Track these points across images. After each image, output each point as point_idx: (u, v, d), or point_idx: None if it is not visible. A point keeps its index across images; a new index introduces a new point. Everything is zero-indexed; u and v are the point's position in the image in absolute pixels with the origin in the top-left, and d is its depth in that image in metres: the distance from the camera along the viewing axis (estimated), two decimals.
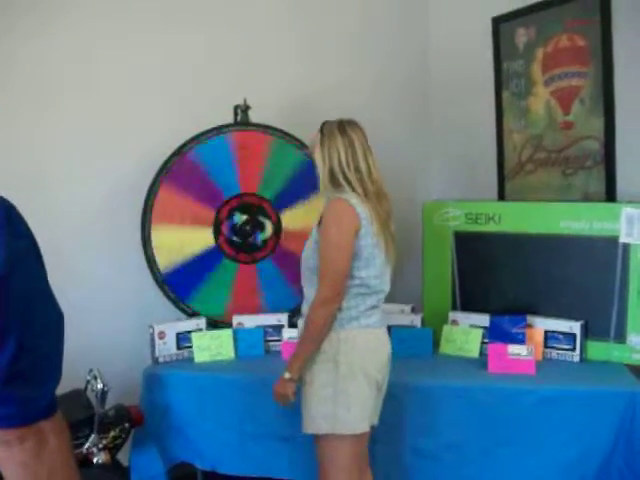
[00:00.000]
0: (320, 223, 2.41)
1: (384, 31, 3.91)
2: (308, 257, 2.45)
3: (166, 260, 3.21)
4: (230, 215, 3.28)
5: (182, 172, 3.21)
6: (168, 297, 3.22)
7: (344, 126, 2.45)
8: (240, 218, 3.30)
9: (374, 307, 2.44)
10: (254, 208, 3.32)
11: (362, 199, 2.37)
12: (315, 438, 2.41)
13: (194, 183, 3.23)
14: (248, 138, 3.30)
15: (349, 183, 2.39)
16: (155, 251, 3.19)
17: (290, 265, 3.29)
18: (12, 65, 3.15)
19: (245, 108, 3.24)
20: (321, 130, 2.48)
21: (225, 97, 3.30)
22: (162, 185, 3.18)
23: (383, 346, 2.47)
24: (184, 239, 3.23)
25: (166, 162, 3.19)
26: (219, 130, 3.24)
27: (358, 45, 3.86)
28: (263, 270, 3.35)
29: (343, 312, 2.37)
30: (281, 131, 3.35)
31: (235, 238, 3.30)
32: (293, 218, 3.36)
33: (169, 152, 3.19)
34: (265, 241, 3.35)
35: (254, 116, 3.32)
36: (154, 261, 3.19)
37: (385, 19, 3.92)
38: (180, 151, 3.20)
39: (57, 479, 1.19)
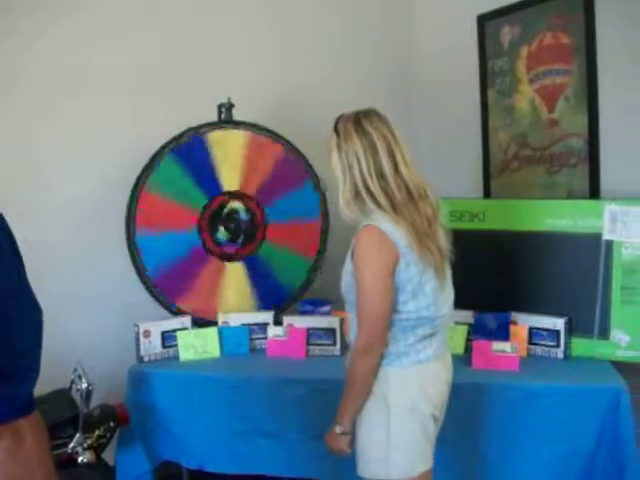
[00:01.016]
0: (353, 253, 2.08)
1: (369, 28, 3.92)
2: (346, 290, 2.16)
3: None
4: (221, 207, 3.28)
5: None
6: (135, 266, 3.18)
7: (360, 120, 2.07)
8: (223, 214, 3.31)
9: (426, 337, 2.12)
10: (246, 209, 3.33)
11: (393, 217, 2.01)
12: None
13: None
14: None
15: (372, 196, 2.03)
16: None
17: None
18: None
19: (229, 106, 3.23)
20: (335, 128, 2.12)
21: (208, 95, 3.29)
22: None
23: (438, 380, 2.17)
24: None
25: (180, 135, 3.18)
26: (195, 131, 3.23)
27: (342, 42, 3.87)
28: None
29: (390, 347, 2.08)
30: (292, 145, 3.37)
31: (218, 231, 3.29)
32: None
33: (152, 150, 3.18)
34: (244, 244, 3.34)
35: (238, 114, 3.31)
36: (142, 266, 3.18)
37: (370, 16, 3.93)
38: (196, 131, 3.20)
39: (33, 478, 1.18)
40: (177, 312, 3.23)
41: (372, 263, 2.01)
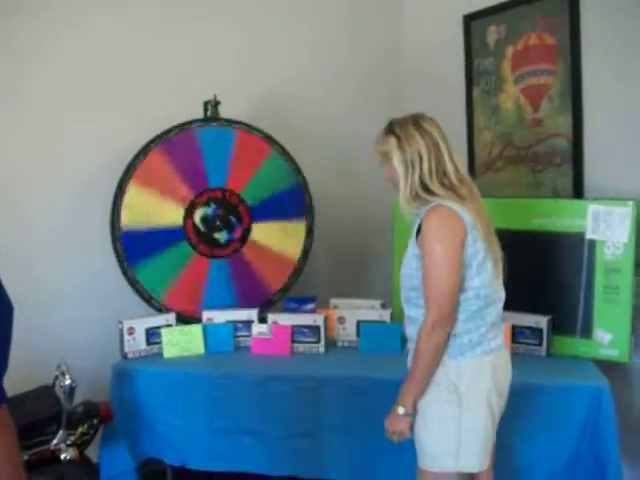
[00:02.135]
0: (417, 236, 2.13)
1: (356, 25, 3.94)
2: (411, 275, 2.17)
3: (130, 219, 3.16)
4: (206, 203, 3.27)
5: (179, 144, 3.20)
6: (117, 257, 3.15)
7: (420, 123, 2.14)
8: (214, 210, 3.29)
9: (495, 325, 2.18)
10: (231, 207, 3.31)
11: (458, 200, 2.09)
12: (424, 471, 2.22)
13: (186, 159, 3.22)
14: (252, 141, 3.31)
15: (431, 193, 2.10)
16: (124, 209, 3.14)
17: (243, 275, 3.35)
18: None
19: (215, 103, 3.23)
20: (393, 133, 2.17)
21: (194, 92, 3.29)
22: (152, 151, 3.15)
23: (506, 370, 2.24)
24: (156, 207, 3.19)
25: (168, 131, 3.18)
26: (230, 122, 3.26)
27: (329, 39, 3.89)
28: (215, 268, 3.33)
29: (463, 337, 2.12)
30: (281, 146, 3.37)
31: (202, 227, 3.28)
32: (265, 232, 3.37)
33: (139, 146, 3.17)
34: (227, 242, 3.33)
35: (224, 111, 3.31)
36: (117, 217, 3.14)
37: (357, 13, 3.96)
38: (184, 127, 3.20)
39: None
40: (161, 309, 3.22)
41: (444, 237, 2.06)
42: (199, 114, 3.28)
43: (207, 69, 3.50)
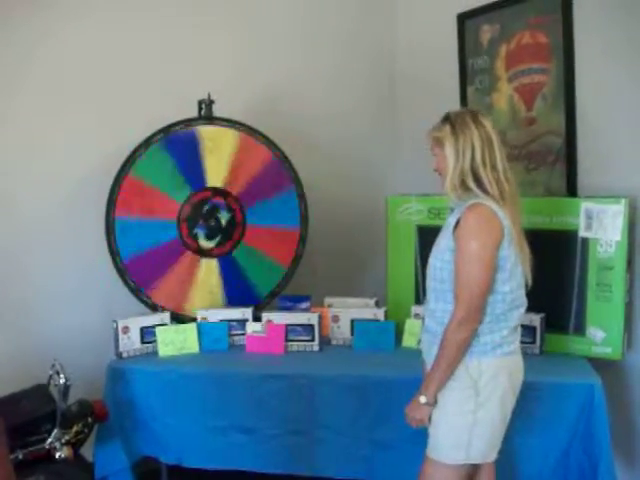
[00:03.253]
0: (455, 229, 2.17)
1: (350, 24, 3.95)
2: (441, 268, 2.22)
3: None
4: (193, 232, 3.26)
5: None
6: (111, 254, 3.15)
7: (477, 116, 2.20)
8: (204, 209, 3.28)
9: (516, 329, 2.27)
10: (198, 207, 3.28)
11: (500, 203, 2.15)
12: (433, 460, 2.28)
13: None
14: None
15: (481, 185, 2.15)
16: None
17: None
18: None
19: (209, 102, 3.23)
20: (449, 121, 2.22)
21: (184, 92, 3.30)
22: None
23: (520, 372, 2.31)
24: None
25: (112, 188, 3.13)
26: (148, 141, 3.19)
27: (322, 37, 3.89)
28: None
29: (486, 336, 2.18)
30: (227, 120, 3.31)
31: (217, 240, 3.29)
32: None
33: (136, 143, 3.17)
34: (231, 213, 3.31)
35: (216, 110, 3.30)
36: (117, 252, 3.14)
37: (352, 12, 3.96)
38: (150, 140, 3.17)
39: None
40: (152, 305, 3.21)
41: (481, 235, 2.11)
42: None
43: (203, 69, 3.51)
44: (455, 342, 2.15)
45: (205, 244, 3.29)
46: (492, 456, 2.28)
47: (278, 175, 3.38)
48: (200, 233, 3.28)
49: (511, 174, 2.22)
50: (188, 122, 3.23)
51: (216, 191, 3.28)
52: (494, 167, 2.17)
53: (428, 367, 2.29)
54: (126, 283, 3.17)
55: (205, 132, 3.25)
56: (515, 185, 2.23)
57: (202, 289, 3.30)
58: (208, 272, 3.31)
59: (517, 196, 2.23)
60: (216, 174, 3.28)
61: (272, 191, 3.38)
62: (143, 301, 3.21)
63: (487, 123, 2.20)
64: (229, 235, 3.32)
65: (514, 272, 2.20)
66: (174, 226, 3.23)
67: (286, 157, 3.39)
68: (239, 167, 3.31)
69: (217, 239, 3.31)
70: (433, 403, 2.23)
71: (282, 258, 3.42)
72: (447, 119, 2.24)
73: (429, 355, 2.29)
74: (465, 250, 2.13)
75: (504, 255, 2.15)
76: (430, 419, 2.27)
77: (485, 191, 2.16)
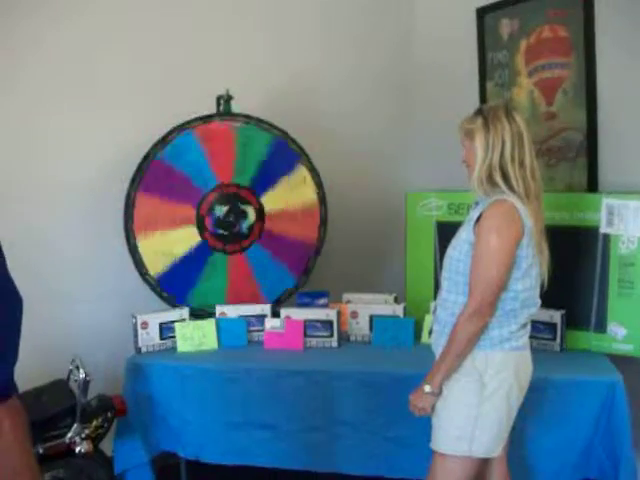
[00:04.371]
0: (476, 223, 2.17)
1: (368, 17, 3.93)
2: (459, 260, 2.22)
3: (157, 265, 3.21)
4: (211, 209, 3.25)
5: (156, 177, 3.16)
6: (165, 300, 3.22)
7: (511, 111, 2.18)
8: (221, 210, 3.26)
9: (525, 325, 2.26)
10: (233, 197, 3.28)
11: (523, 201, 2.15)
12: (438, 454, 2.29)
13: (170, 185, 3.19)
14: (213, 130, 3.25)
15: (507, 181, 2.14)
16: (144, 258, 3.18)
17: (278, 246, 3.35)
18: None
19: (227, 98, 3.23)
20: (481, 113, 2.20)
21: (206, 87, 3.29)
22: (139, 194, 3.14)
23: (528, 367, 2.30)
24: (171, 242, 3.21)
25: (138, 169, 3.15)
26: (182, 128, 3.19)
27: (339, 31, 3.88)
28: (253, 256, 3.34)
29: (495, 330, 2.18)
30: (245, 116, 3.30)
31: (220, 231, 3.28)
32: (274, 199, 3.34)
33: (151, 142, 3.17)
34: (250, 227, 3.31)
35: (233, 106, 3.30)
36: (145, 267, 3.19)
37: (369, 5, 3.93)
38: (147, 157, 3.15)
39: (8, 462, 1.20)
40: (174, 303, 3.23)
41: (502, 232, 2.11)
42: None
43: (221, 65, 3.51)
44: (465, 334, 2.15)
45: (210, 226, 3.26)
46: (496, 451, 2.26)
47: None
48: (222, 232, 3.28)
49: (538, 173, 2.21)
50: (206, 118, 3.23)
51: (228, 187, 3.26)
52: (522, 164, 2.16)
53: (437, 357, 2.29)
54: (163, 298, 3.22)
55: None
56: (541, 184, 2.22)
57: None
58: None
59: (541, 196, 2.23)
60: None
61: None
62: (170, 303, 3.23)
63: (520, 119, 2.18)
64: (251, 225, 3.31)
65: (529, 272, 2.19)
66: (196, 232, 3.24)
67: (292, 138, 3.36)
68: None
69: (241, 232, 3.30)
70: (438, 393, 2.23)
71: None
72: (480, 112, 2.23)
73: (437, 345, 2.30)
74: (484, 245, 2.13)
75: (521, 254, 2.15)
76: (434, 409, 2.27)
77: (511, 187, 2.15)
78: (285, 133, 3.34)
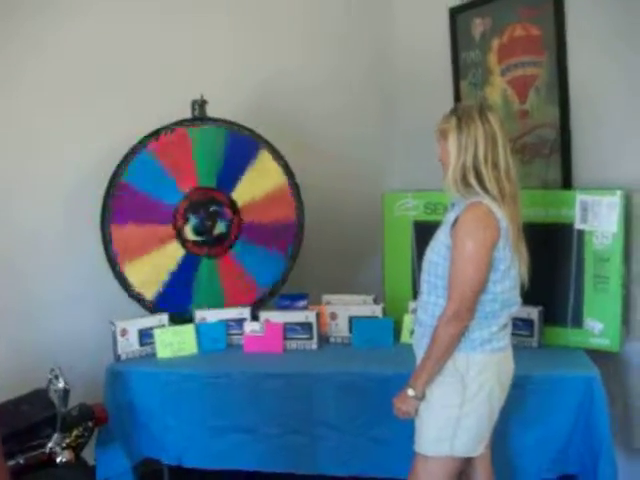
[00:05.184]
0: (453, 226, 2.18)
1: (346, 20, 3.93)
2: (437, 263, 2.23)
3: (150, 288, 3.21)
4: (186, 219, 3.25)
5: (124, 204, 3.15)
6: (108, 257, 3.15)
7: (485, 112, 2.17)
8: (195, 217, 3.26)
9: (505, 326, 2.27)
10: (204, 201, 3.28)
11: (499, 203, 2.15)
12: (420, 455, 2.31)
13: (139, 209, 3.18)
14: (165, 142, 3.21)
15: (481, 182, 2.14)
16: (134, 284, 3.18)
17: (261, 235, 3.36)
18: None
19: (202, 102, 3.22)
20: (455, 113, 2.20)
21: (181, 92, 3.28)
22: (112, 226, 3.13)
23: (510, 367, 2.33)
24: (156, 262, 3.21)
25: (105, 197, 3.13)
26: (137, 147, 3.17)
27: (318, 33, 3.88)
28: (240, 252, 3.34)
29: (475, 332, 2.20)
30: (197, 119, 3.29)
31: (201, 238, 3.28)
32: (244, 192, 3.33)
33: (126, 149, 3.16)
34: (228, 226, 3.31)
35: (211, 110, 3.29)
36: (138, 292, 3.20)
37: (347, 7, 3.93)
38: (112, 184, 3.13)
39: None
40: (151, 308, 3.22)
41: (477, 235, 2.12)
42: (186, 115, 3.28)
43: (200, 68, 3.51)
44: (445, 337, 2.16)
45: (190, 236, 3.27)
46: (477, 450, 2.28)
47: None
48: (204, 238, 3.29)
49: (514, 173, 2.21)
50: (179, 124, 3.22)
51: (195, 193, 3.26)
52: (496, 165, 2.16)
53: (418, 360, 2.30)
54: (128, 291, 3.19)
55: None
56: (517, 185, 2.22)
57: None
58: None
59: (518, 196, 2.23)
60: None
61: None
62: (146, 307, 3.22)
63: (494, 119, 2.17)
64: (230, 223, 3.32)
65: (508, 274, 2.20)
66: (179, 246, 3.25)
67: (276, 150, 3.36)
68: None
69: (221, 233, 3.31)
70: (421, 397, 2.25)
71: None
72: (455, 111, 2.23)
73: (419, 347, 2.31)
74: (460, 249, 2.14)
75: (498, 256, 2.16)
76: (417, 412, 2.29)
77: (485, 188, 2.16)
78: (235, 124, 3.31)
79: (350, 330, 3.15)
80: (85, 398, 2.85)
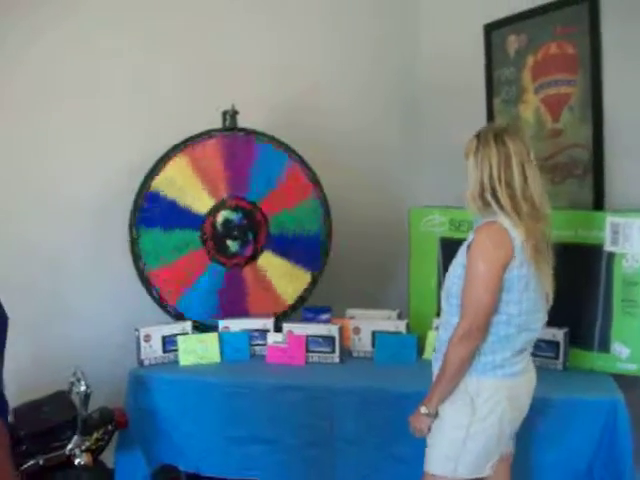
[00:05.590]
0: (469, 246, 2.22)
1: (374, 33, 3.92)
2: (453, 282, 2.26)
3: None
4: (214, 229, 3.27)
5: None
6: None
7: (502, 135, 2.21)
8: (223, 226, 3.29)
9: (522, 351, 2.25)
10: (233, 210, 3.30)
11: (514, 221, 2.16)
12: (429, 474, 2.33)
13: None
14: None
15: (497, 201, 2.17)
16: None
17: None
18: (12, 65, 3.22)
19: (233, 113, 3.25)
20: (477, 136, 2.27)
21: (211, 101, 3.31)
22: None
23: (525, 396, 2.30)
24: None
25: (135, 202, 3.18)
26: (168, 154, 3.22)
27: (347, 49, 3.88)
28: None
29: (487, 356, 2.20)
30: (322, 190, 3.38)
31: (229, 248, 3.30)
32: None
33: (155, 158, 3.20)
34: (256, 237, 3.32)
35: (241, 120, 3.32)
36: (164, 300, 3.23)
37: (376, 21, 3.93)
38: (142, 189, 3.18)
39: None
40: (176, 315, 3.24)
41: (488, 255, 2.14)
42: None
43: (229, 79, 3.54)
44: (456, 357, 2.18)
45: (218, 245, 3.29)
46: (483, 472, 2.27)
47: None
48: (221, 238, 3.30)
49: (535, 192, 2.20)
50: (211, 133, 3.25)
51: (251, 205, 3.31)
52: (509, 185, 2.17)
53: (434, 378, 2.31)
54: (153, 297, 3.22)
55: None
56: (540, 204, 2.22)
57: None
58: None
59: (541, 215, 2.22)
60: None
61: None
62: (166, 310, 3.24)
63: (511, 141, 2.19)
64: (246, 251, 3.33)
65: (525, 295, 2.19)
66: (198, 236, 3.26)
67: (306, 163, 3.38)
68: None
69: (234, 249, 3.32)
70: (434, 415, 2.26)
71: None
72: (477, 134, 2.28)
73: (436, 364, 2.32)
74: (473, 270, 2.16)
75: (512, 276, 2.16)
76: (429, 430, 2.30)
77: (501, 207, 2.17)
78: (266, 135, 3.33)
79: (373, 345, 3.14)
80: (107, 402, 2.89)
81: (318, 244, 3.42)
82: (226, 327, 3.19)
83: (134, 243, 3.17)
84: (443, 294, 2.34)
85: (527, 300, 2.20)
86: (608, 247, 2.83)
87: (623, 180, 3.05)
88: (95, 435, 2.74)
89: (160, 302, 3.23)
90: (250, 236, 3.33)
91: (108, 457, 2.88)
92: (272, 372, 3.03)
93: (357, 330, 3.17)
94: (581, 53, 3.12)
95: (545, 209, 2.24)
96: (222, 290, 3.31)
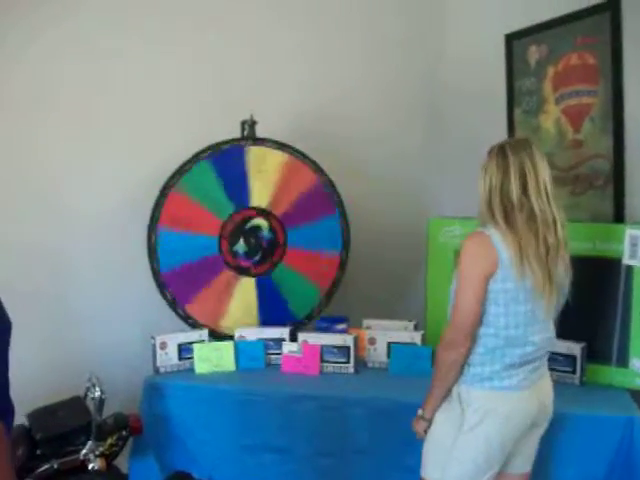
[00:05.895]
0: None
1: (397, 42, 3.91)
2: (451, 291, 2.30)
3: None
4: (232, 237, 3.29)
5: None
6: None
7: (504, 148, 2.23)
8: (242, 235, 3.31)
9: (514, 367, 2.19)
10: (252, 220, 3.32)
11: (503, 230, 2.15)
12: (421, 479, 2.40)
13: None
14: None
15: (491, 210, 2.20)
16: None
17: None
18: (19, 65, 3.28)
19: (252, 123, 3.27)
20: (489, 152, 2.30)
21: (232, 110, 3.34)
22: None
23: (519, 413, 2.21)
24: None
25: (155, 204, 3.21)
26: (195, 157, 3.24)
27: (370, 57, 3.88)
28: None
29: (476, 368, 2.21)
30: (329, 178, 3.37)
31: (245, 256, 3.31)
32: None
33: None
34: (273, 247, 3.33)
35: (261, 130, 3.34)
36: (156, 263, 3.21)
37: (399, 30, 3.92)
38: (164, 191, 3.21)
39: None
40: (189, 320, 3.26)
41: (470, 265, 2.18)
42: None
43: (252, 89, 3.57)
44: (444, 362, 2.23)
45: (244, 262, 3.31)
46: None
47: (322, 199, 3.38)
48: (240, 251, 3.31)
49: (538, 202, 2.17)
50: (234, 142, 3.28)
51: (259, 211, 3.31)
52: (506, 196, 2.18)
53: None
54: (164, 297, 3.22)
55: (253, 152, 3.28)
56: (546, 212, 2.18)
57: (237, 307, 3.32)
58: (245, 290, 3.33)
59: (547, 224, 2.18)
60: (260, 194, 3.31)
61: (315, 215, 3.38)
62: (181, 317, 3.26)
63: (512, 154, 2.19)
64: (269, 255, 3.34)
65: (513, 309, 2.17)
66: (215, 242, 3.27)
67: (331, 181, 3.38)
68: (284, 188, 3.33)
69: (257, 257, 3.33)
70: (429, 419, 2.32)
71: (321, 282, 3.41)
72: (489, 150, 2.31)
73: None
74: (458, 279, 2.21)
75: (497, 289, 2.16)
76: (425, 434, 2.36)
77: (493, 216, 2.20)
78: (287, 145, 3.34)
79: (388, 356, 3.13)
80: (122, 408, 2.91)
81: (335, 261, 3.42)
82: (242, 336, 3.20)
83: (151, 247, 3.19)
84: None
85: (515, 314, 2.18)
86: (627, 260, 2.79)
87: None
88: (109, 440, 2.76)
89: (175, 308, 3.24)
90: (258, 256, 3.33)
91: (122, 463, 2.90)
92: (286, 381, 3.03)
93: (372, 341, 3.16)
94: (602, 63, 3.08)
95: (551, 217, 2.19)
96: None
